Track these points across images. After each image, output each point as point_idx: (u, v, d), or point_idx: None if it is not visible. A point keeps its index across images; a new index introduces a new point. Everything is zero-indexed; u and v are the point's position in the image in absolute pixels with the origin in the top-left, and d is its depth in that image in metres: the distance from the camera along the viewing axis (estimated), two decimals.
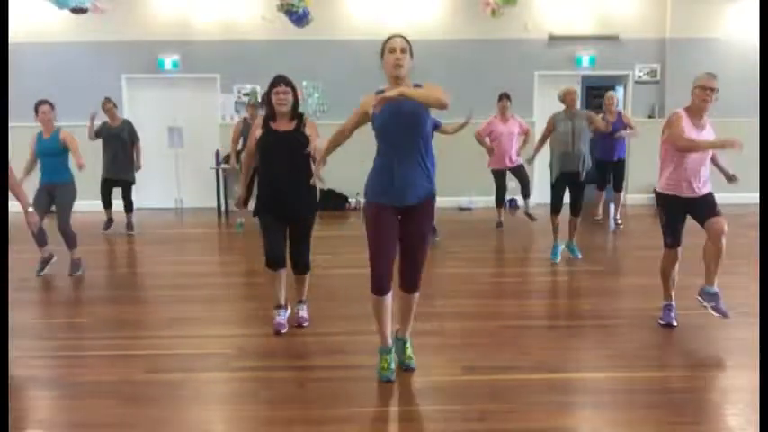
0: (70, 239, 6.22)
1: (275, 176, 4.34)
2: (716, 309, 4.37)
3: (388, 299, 3.57)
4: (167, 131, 10.04)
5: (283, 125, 4.35)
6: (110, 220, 8.54)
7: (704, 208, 4.35)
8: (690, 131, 4.29)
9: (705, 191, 4.38)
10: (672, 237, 4.47)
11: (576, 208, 6.54)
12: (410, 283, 3.64)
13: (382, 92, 3.39)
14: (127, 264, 7.28)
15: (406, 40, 3.40)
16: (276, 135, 4.32)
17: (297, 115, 4.39)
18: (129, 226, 8.53)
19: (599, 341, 4.33)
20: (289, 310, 4.67)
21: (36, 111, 6.28)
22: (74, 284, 5.99)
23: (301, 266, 4.58)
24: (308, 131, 4.34)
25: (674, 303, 4.60)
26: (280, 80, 4.32)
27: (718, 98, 4.30)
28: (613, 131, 8.25)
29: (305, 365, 3.94)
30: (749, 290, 5.22)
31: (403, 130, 3.38)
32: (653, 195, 10.17)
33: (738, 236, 7.75)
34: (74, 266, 6.23)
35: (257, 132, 4.38)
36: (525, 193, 8.53)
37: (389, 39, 3.41)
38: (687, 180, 4.34)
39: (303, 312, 4.68)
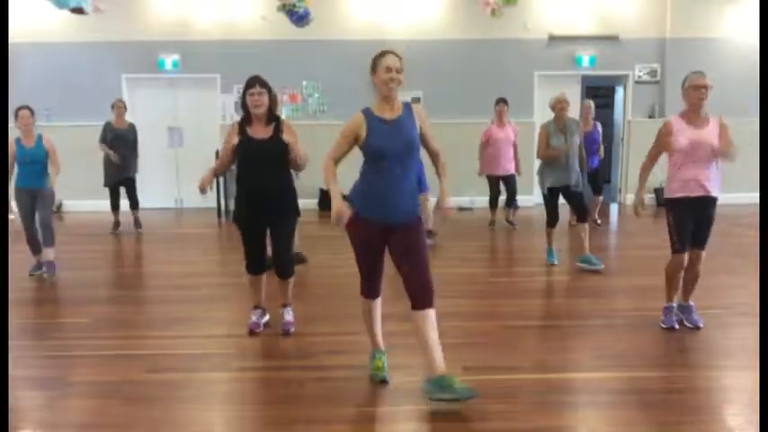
0: (50, 234, 6.16)
1: (254, 184, 4.26)
2: (688, 320, 4.57)
3: (378, 302, 3.67)
4: (167, 131, 10.06)
5: (260, 131, 4.23)
6: (117, 223, 8.55)
7: (701, 226, 4.42)
8: (685, 136, 4.34)
9: (714, 192, 4.38)
10: (680, 241, 4.43)
11: (582, 213, 6.39)
12: (422, 298, 3.37)
13: (369, 110, 3.40)
14: (127, 264, 7.29)
15: (400, 58, 3.37)
16: (254, 144, 4.21)
17: (273, 118, 4.28)
18: (137, 223, 8.59)
19: (599, 341, 4.33)
20: (267, 316, 4.63)
21: (16, 116, 6.10)
22: (73, 284, 5.99)
23: (285, 272, 4.48)
24: (286, 137, 4.25)
25: (675, 304, 4.60)
26: (255, 81, 4.18)
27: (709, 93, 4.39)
28: (592, 142, 8.21)
29: (305, 365, 3.94)
30: (749, 290, 5.23)
31: (402, 152, 3.36)
32: (652, 195, 10.28)
33: (738, 236, 7.76)
34: (49, 268, 6.14)
35: (234, 140, 4.24)
36: (510, 203, 8.65)
37: (384, 55, 3.36)
38: (695, 178, 4.34)
39: (288, 317, 4.54)
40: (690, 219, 4.40)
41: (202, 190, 4.26)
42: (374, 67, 3.38)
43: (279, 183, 4.31)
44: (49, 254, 6.17)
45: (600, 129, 8.51)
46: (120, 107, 8.51)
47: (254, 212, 4.31)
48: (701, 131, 4.33)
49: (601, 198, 8.76)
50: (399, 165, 3.37)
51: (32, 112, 6.20)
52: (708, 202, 4.37)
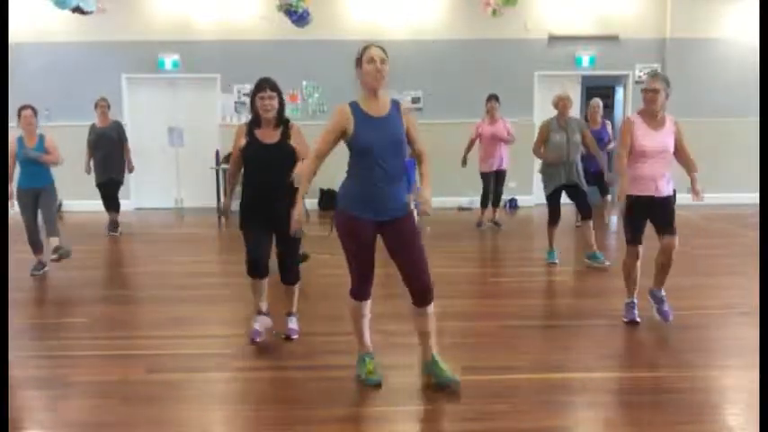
0: (54, 227, 6.15)
1: (260, 188, 4.17)
2: (659, 311, 4.56)
3: (368, 304, 3.59)
4: (167, 131, 10.05)
5: (268, 135, 4.14)
6: (116, 224, 8.52)
7: (663, 216, 4.44)
8: (643, 136, 4.40)
9: (667, 191, 4.45)
10: (632, 233, 4.50)
11: (586, 211, 6.36)
12: (422, 299, 3.46)
13: (357, 104, 3.37)
14: (127, 263, 7.29)
15: (384, 51, 3.35)
16: (261, 147, 4.13)
17: (282, 122, 4.18)
18: (113, 225, 8.39)
19: (598, 341, 4.33)
20: (270, 322, 4.40)
21: (18, 116, 6.11)
22: (73, 284, 5.99)
23: (290, 277, 4.36)
24: (293, 142, 4.17)
25: (636, 301, 4.62)
26: (265, 84, 4.08)
27: (668, 95, 4.46)
28: (599, 141, 8.21)
29: (305, 365, 3.93)
30: (749, 290, 5.22)
31: (390, 148, 3.35)
32: None
33: (738, 236, 7.77)
34: (56, 250, 6.12)
35: (241, 141, 4.17)
36: (496, 202, 8.60)
37: (367, 48, 3.34)
38: (650, 177, 4.40)
39: (293, 324, 4.43)
40: (643, 214, 4.45)
41: (224, 215, 4.53)
42: (358, 62, 3.36)
43: (285, 188, 4.16)
44: (54, 242, 6.13)
45: (609, 129, 8.45)
46: (102, 106, 8.40)
47: (259, 216, 4.20)
48: (656, 134, 4.42)
49: (609, 198, 8.63)
50: (387, 161, 3.34)
51: (35, 112, 6.20)
52: (661, 201, 4.43)
